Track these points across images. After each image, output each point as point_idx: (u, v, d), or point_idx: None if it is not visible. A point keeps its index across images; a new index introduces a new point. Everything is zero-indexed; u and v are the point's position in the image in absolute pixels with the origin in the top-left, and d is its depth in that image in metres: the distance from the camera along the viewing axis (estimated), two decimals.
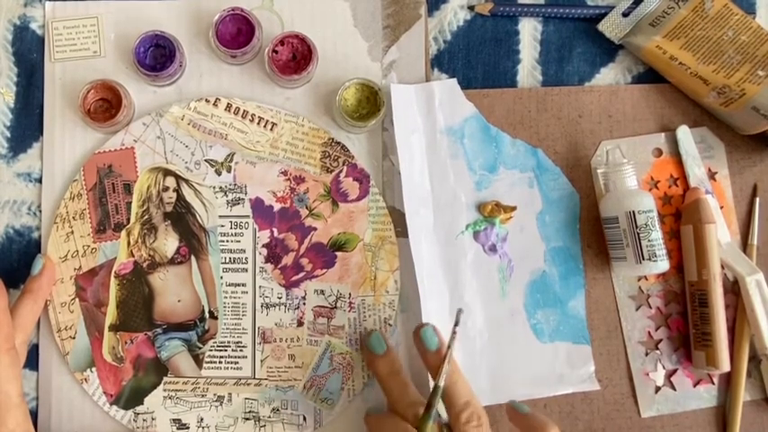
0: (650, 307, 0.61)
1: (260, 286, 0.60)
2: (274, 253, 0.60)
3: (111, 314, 0.59)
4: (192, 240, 0.60)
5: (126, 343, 0.59)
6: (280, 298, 0.60)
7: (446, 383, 0.52)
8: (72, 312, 0.59)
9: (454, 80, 0.61)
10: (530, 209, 0.61)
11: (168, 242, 0.60)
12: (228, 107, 0.60)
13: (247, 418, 0.59)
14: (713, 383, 0.60)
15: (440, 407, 0.52)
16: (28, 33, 0.62)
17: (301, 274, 0.60)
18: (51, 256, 0.59)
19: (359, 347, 0.59)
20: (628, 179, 0.58)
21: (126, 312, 0.59)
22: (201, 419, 0.59)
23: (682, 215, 0.61)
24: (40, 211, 0.60)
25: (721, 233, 0.60)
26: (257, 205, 0.60)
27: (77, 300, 0.59)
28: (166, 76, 0.59)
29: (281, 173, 0.60)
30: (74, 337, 0.59)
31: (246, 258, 0.60)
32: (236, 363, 0.59)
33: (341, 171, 0.60)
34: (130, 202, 0.60)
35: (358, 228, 0.60)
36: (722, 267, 0.60)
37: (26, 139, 0.61)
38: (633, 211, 0.57)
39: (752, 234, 0.61)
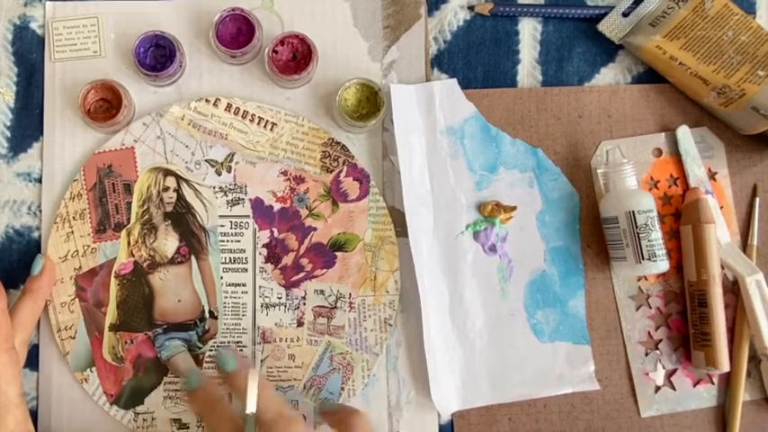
0: (650, 307, 0.61)
1: (260, 286, 0.60)
2: (274, 253, 0.60)
3: (111, 314, 0.59)
4: (193, 240, 0.60)
5: (126, 343, 0.59)
6: (280, 298, 0.60)
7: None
8: (72, 312, 0.59)
9: (454, 80, 0.61)
10: (530, 209, 0.61)
11: (168, 242, 0.60)
12: (228, 107, 0.60)
13: None
14: (713, 383, 0.60)
15: None
16: (28, 33, 0.62)
17: (301, 274, 0.60)
18: (51, 256, 0.59)
19: (358, 348, 0.59)
20: (628, 179, 0.58)
21: (126, 312, 0.59)
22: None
23: (681, 215, 0.61)
24: (40, 211, 0.60)
25: (721, 233, 0.60)
26: (257, 205, 0.60)
27: (77, 300, 0.59)
28: (166, 76, 0.59)
29: (281, 173, 0.60)
30: (74, 337, 0.59)
31: (246, 258, 0.60)
32: None
33: (341, 171, 0.61)
34: (130, 202, 0.60)
35: (358, 228, 0.60)
36: (722, 267, 0.60)
37: (26, 139, 0.61)
38: (633, 211, 0.57)
39: (752, 234, 0.61)
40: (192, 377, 0.54)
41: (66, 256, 0.59)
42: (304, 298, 0.60)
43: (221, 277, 0.60)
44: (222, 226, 0.60)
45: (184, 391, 0.55)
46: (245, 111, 0.61)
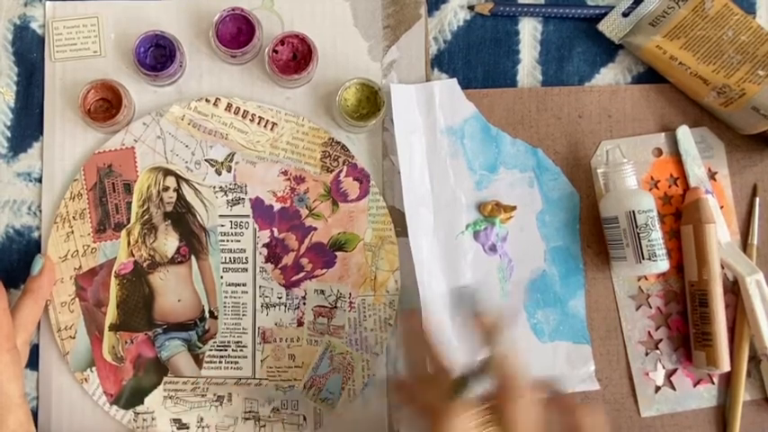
0: (650, 307, 0.61)
1: (260, 286, 0.60)
2: (274, 253, 0.60)
3: (111, 314, 0.59)
4: (193, 240, 0.60)
5: (126, 343, 0.59)
6: (280, 298, 0.60)
7: (496, 355, 0.48)
8: (72, 312, 0.59)
9: (454, 80, 0.61)
10: (530, 208, 0.61)
11: (168, 242, 0.60)
12: (229, 107, 0.60)
13: (247, 418, 0.59)
14: (713, 383, 0.60)
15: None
16: (28, 33, 0.62)
17: (301, 274, 0.60)
18: (51, 256, 0.59)
19: (359, 348, 0.59)
20: (628, 179, 0.58)
21: (126, 312, 0.59)
22: (201, 419, 0.59)
23: (682, 215, 0.61)
24: (40, 211, 0.60)
25: (721, 233, 0.60)
26: (257, 205, 0.60)
27: (77, 299, 0.59)
28: (167, 76, 0.59)
29: (282, 173, 0.60)
30: (74, 337, 0.59)
31: (246, 258, 0.60)
32: (237, 362, 0.59)
33: (341, 171, 0.61)
34: (130, 202, 0.60)
35: (358, 227, 0.60)
36: (722, 267, 0.60)
37: (26, 139, 0.61)
38: (633, 211, 0.57)
39: (752, 234, 0.61)
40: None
41: (66, 255, 0.59)
42: (304, 298, 0.60)
43: (221, 277, 0.60)
44: (222, 226, 0.60)
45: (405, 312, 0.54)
46: (245, 110, 0.61)
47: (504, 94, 0.62)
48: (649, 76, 0.63)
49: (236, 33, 0.60)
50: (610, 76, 0.63)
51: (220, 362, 0.59)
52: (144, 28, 0.59)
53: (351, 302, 0.60)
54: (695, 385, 0.60)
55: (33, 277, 0.58)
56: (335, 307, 0.60)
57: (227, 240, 0.60)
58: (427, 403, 0.48)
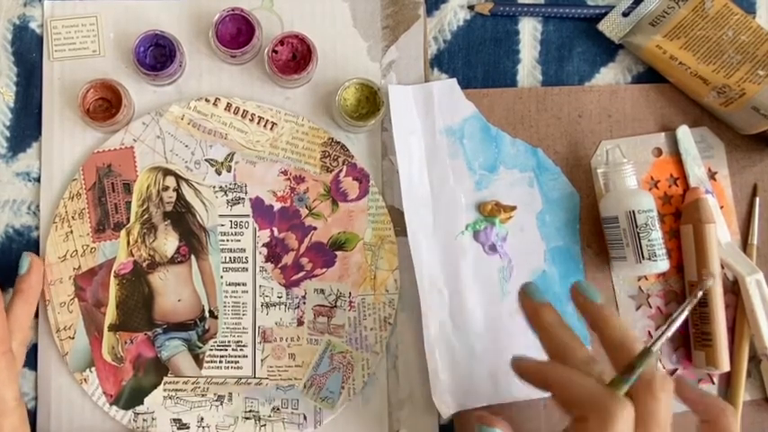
0: (650, 307, 0.61)
1: (260, 285, 0.60)
2: (274, 252, 0.60)
3: (110, 314, 0.59)
4: (192, 240, 0.60)
5: (126, 343, 0.59)
6: (280, 297, 0.60)
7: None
8: (71, 312, 0.59)
9: (454, 80, 0.61)
10: (530, 208, 0.61)
11: (168, 242, 0.60)
12: (228, 107, 0.60)
13: (248, 418, 0.59)
14: (713, 383, 0.60)
15: None
16: (27, 33, 0.62)
17: (301, 274, 0.60)
18: (50, 256, 0.59)
19: (358, 347, 0.59)
20: (628, 179, 0.58)
21: (126, 312, 0.59)
22: (202, 419, 0.59)
23: (682, 215, 0.61)
24: (39, 211, 0.60)
25: (721, 233, 0.60)
26: (257, 205, 0.60)
27: (76, 300, 0.59)
28: (166, 76, 0.59)
29: (281, 172, 0.60)
30: (73, 338, 0.59)
31: (247, 258, 0.60)
32: (237, 362, 0.59)
33: (341, 171, 0.60)
34: (130, 202, 0.60)
35: (358, 227, 0.60)
36: (722, 267, 0.60)
37: (26, 139, 0.61)
38: (633, 211, 0.57)
39: (752, 234, 0.61)
40: (540, 292, 0.50)
41: (65, 255, 0.59)
42: (304, 297, 0.60)
43: (221, 277, 0.60)
44: (222, 225, 0.60)
45: (532, 304, 0.50)
46: (244, 110, 0.60)
47: (504, 94, 0.62)
48: (649, 75, 0.63)
49: (236, 34, 0.60)
50: (610, 75, 0.63)
51: (221, 361, 0.59)
52: (143, 27, 0.59)
53: (351, 302, 0.60)
54: None
55: (22, 276, 0.57)
56: (335, 306, 0.60)
57: (227, 240, 0.60)
58: (586, 391, 0.45)
